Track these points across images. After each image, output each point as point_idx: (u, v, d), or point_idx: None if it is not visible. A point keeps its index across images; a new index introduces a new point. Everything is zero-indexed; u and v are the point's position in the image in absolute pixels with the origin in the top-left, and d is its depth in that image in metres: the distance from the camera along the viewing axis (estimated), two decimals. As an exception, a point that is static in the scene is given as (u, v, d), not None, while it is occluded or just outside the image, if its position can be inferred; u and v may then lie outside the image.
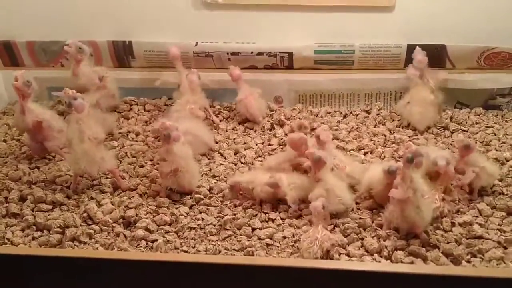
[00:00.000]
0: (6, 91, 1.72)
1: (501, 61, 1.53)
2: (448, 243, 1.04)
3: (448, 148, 1.39)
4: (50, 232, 1.13)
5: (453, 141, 1.41)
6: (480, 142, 1.40)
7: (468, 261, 1.01)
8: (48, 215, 1.17)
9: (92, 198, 1.23)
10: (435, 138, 1.44)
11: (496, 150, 1.35)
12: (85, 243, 1.10)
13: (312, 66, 1.62)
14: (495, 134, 1.43)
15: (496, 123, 1.48)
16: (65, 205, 1.21)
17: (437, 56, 1.54)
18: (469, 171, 1.16)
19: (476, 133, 1.44)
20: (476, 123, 1.49)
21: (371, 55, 1.57)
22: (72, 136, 1.19)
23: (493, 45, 1.51)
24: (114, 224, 1.14)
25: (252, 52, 1.60)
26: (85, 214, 1.16)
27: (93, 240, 1.10)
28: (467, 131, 1.46)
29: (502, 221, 1.11)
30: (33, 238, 1.12)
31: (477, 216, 1.13)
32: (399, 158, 1.35)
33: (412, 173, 1.02)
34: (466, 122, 1.50)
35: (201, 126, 1.43)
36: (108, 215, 1.16)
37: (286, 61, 1.61)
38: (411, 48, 1.55)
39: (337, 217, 1.14)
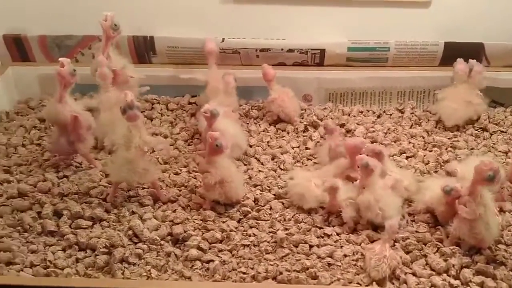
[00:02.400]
0: (15, 88, 1.61)
1: (539, 59, 1.51)
2: (513, 258, 1.03)
3: (490, 151, 1.37)
4: (95, 252, 1.06)
5: (494, 144, 1.39)
6: (521, 145, 1.39)
7: (537, 279, 0.99)
8: (90, 232, 1.10)
9: (133, 212, 1.16)
10: (475, 140, 1.41)
11: (539, 154, 1.33)
12: (134, 264, 1.04)
13: (344, 63, 1.56)
14: (536, 136, 1.41)
15: (534, 123, 1.47)
16: (105, 221, 1.14)
17: (473, 54, 1.50)
18: None
19: (516, 135, 1.42)
20: (514, 124, 1.47)
21: (407, 52, 1.53)
22: (120, 142, 1.12)
23: (533, 43, 1.48)
24: (162, 242, 1.08)
25: (282, 49, 1.53)
26: (130, 232, 1.09)
27: (143, 261, 1.04)
28: (505, 132, 1.44)
29: (561, 232, 1.10)
30: (77, 260, 1.06)
31: (536, 227, 1.11)
32: (443, 163, 1.32)
33: (483, 190, 0.98)
34: (504, 123, 1.47)
35: (237, 128, 1.36)
36: (155, 232, 1.10)
37: (317, 58, 1.55)
38: (448, 46, 1.51)
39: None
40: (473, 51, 1.50)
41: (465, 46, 1.50)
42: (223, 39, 1.53)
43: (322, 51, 1.53)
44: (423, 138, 1.43)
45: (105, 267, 1.04)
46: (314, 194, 1.17)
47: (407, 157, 1.35)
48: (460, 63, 1.43)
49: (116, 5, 1.49)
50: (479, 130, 1.45)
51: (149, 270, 1.02)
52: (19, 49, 1.58)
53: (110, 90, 1.33)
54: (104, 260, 1.04)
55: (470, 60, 1.42)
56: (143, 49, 1.56)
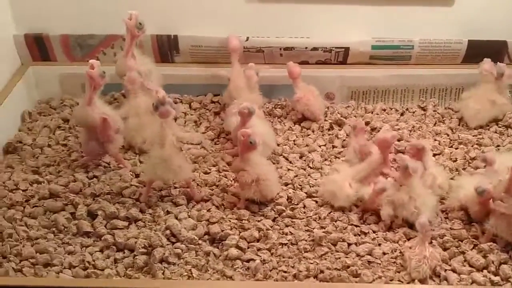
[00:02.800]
0: (36, 88, 1.60)
1: (560, 56, 1.52)
2: (550, 254, 1.04)
3: (515, 148, 1.38)
4: (134, 252, 1.06)
5: (518, 141, 1.41)
6: (546, 141, 1.40)
7: None
8: (127, 232, 1.10)
9: (168, 212, 1.16)
10: (499, 137, 1.42)
11: None
12: (174, 264, 1.04)
13: (367, 61, 1.56)
14: (560, 132, 1.43)
15: (557, 120, 1.48)
16: (141, 221, 1.14)
17: (496, 51, 1.51)
18: None
19: (540, 132, 1.44)
20: (538, 121, 1.48)
21: (430, 50, 1.53)
22: (154, 141, 1.13)
23: (556, 40, 1.49)
24: (200, 242, 1.08)
25: (306, 48, 1.53)
26: (167, 231, 1.09)
27: (182, 260, 1.04)
28: (529, 129, 1.45)
29: None
30: (115, 261, 1.06)
31: None
32: (471, 160, 1.33)
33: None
34: (527, 120, 1.48)
35: (266, 127, 1.36)
36: (192, 232, 1.10)
37: (340, 57, 1.56)
38: (471, 44, 1.52)
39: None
40: (496, 49, 1.52)
41: (488, 44, 1.51)
42: (247, 38, 1.52)
43: (346, 49, 1.53)
44: (448, 135, 1.44)
45: (144, 268, 1.04)
46: (346, 193, 1.17)
47: (434, 155, 1.36)
48: (486, 63, 1.42)
49: (140, 4, 1.48)
50: (502, 128, 1.46)
51: (190, 270, 1.02)
52: (40, 48, 1.57)
53: (139, 95, 1.33)
54: (143, 260, 1.04)
55: (499, 63, 1.42)
56: (166, 48, 1.56)
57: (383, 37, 1.52)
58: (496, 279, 0.99)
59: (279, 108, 1.55)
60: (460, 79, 1.55)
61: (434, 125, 1.49)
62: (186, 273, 1.02)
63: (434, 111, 1.54)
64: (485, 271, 1.01)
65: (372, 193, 1.12)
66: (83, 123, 1.25)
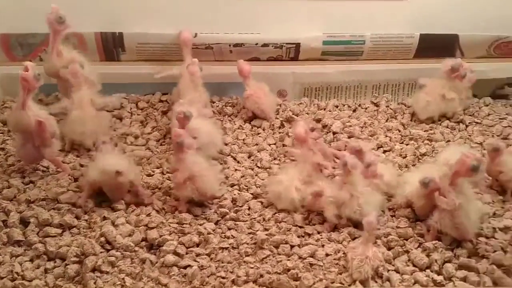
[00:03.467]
0: (-23, 90, 1.53)
1: (511, 50, 1.51)
2: (494, 251, 1.01)
3: (466, 142, 1.36)
4: (66, 261, 1.01)
5: (469, 135, 1.39)
6: (497, 136, 1.38)
7: (520, 271, 0.98)
8: (59, 240, 1.05)
9: (105, 218, 1.10)
10: (451, 132, 1.41)
11: (516, 144, 1.33)
12: (107, 273, 0.98)
13: (319, 57, 1.53)
14: (511, 127, 1.41)
15: (508, 114, 1.47)
16: (75, 228, 1.09)
17: (448, 45, 1.50)
18: None
19: (491, 126, 1.42)
20: (489, 115, 1.47)
21: (382, 45, 1.51)
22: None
23: (506, 34, 1.48)
24: (136, 248, 1.03)
25: (257, 44, 1.49)
26: (102, 238, 1.04)
27: (116, 269, 0.99)
28: (481, 123, 1.43)
29: (541, 223, 1.10)
30: (46, 271, 1.00)
31: (515, 219, 1.11)
32: (421, 156, 1.31)
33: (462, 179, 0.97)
34: (479, 114, 1.47)
35: (211, 126, 1.32)
36: (128, 238, 1.05)
37: (291, 53, 1.52)
38: (423, 38, 1.50)
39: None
40: (448, 43, 1.50)
41: (440, 38, 1.50)
42: (196, 34, 1.47)
43: (297, 45, 1.50)
44: (399, 131, 1.42)
45: (75, 277, 0.98)
46: (291, 196, 1.13)
47: (384, 151, 1.34)
48: (450, 61, 1.39)
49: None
50: (454, 123, 1.44)
51: (123, 279, 0.97)
52: (-22, 48, 1.50)
53: (82, 88, 1.29)
54: (75, 270, 0.99)
55: (465, 65, 1.39)
56: (111, 46, 1.50)
57: (334, 32, 1.49)
58: (439, 278, 0.96)
59: (229, 106, 1.51)
60: (413, 74, 1.53)
61: (386, 121, 1.46)
62: (119, 282, 0.96)
63: (386, 106, 1.51)
64: (428, 270, 0.98)
65: (310, 197, 1.09)
66: (18, 127, 1.18)
